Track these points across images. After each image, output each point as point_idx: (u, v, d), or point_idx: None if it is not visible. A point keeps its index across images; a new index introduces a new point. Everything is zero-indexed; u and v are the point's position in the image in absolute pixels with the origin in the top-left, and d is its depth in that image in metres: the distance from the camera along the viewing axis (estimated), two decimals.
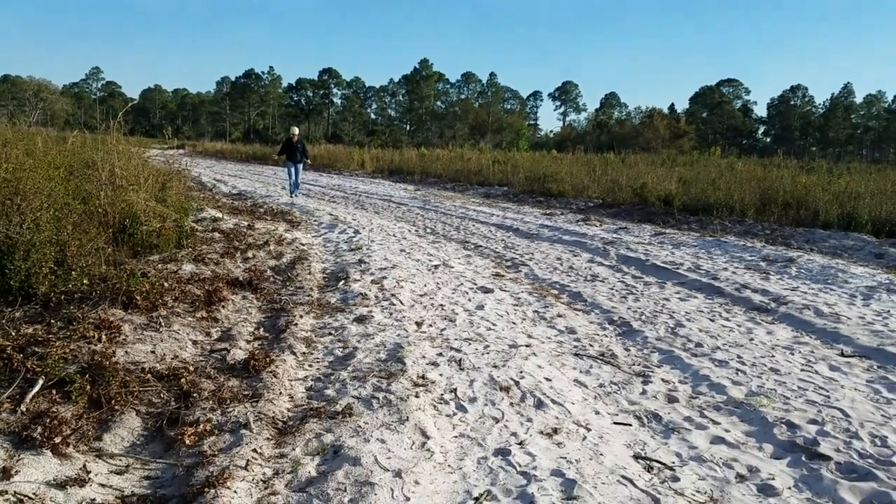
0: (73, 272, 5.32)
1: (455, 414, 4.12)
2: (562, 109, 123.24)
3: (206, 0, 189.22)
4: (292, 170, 18.83)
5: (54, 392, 3.73)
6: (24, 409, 3.52)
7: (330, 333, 5.67)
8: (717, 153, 42.13)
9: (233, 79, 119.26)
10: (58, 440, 3.24)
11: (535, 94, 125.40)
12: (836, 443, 3.90)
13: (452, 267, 9.00)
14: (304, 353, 5.11)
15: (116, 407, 3.70)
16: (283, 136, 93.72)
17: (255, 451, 3.38)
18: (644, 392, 4.70)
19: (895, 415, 4.35)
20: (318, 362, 4.96)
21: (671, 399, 4.59)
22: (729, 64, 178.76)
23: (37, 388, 3.71)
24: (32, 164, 6.74)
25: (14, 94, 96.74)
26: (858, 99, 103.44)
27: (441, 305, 6.84)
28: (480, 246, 11.17)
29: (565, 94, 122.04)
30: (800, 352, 5.70)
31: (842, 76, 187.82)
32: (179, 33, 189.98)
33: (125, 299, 5.31)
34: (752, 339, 6.03)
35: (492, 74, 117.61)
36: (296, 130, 19.40)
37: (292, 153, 18.77)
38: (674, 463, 3.63)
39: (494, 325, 6.21)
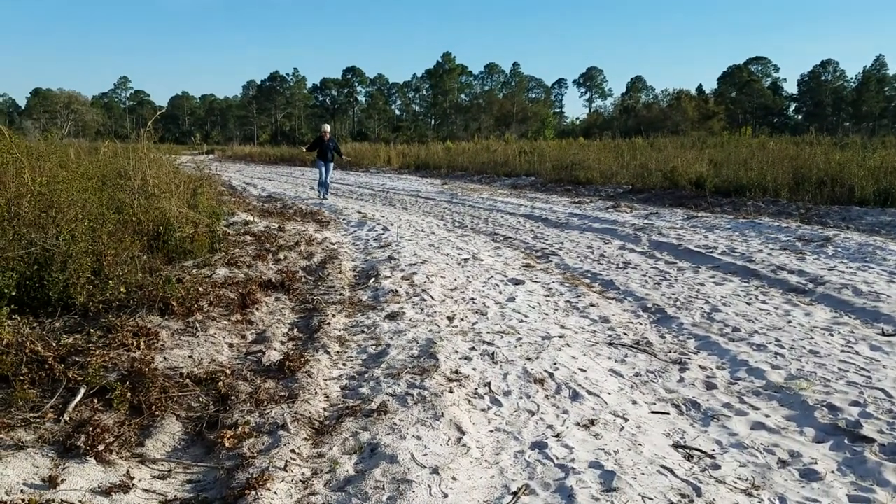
0: (109, 281, 5.42)
1: (490, 408, 4.11)
2: (587, 96, 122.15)
3: (228, 5, 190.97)
4: (323, 168, 18.16)
5: (96, 400, 3.81)
6: (68, 419, 3.60)
7: (362, 331, 5.71)
8: (748, 133, 41.46)
9: (258, 82, 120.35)
10: (101, 448, 3.30)
11: (560, 82, 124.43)
12: (880, 424, 3.82)
13: (482, 260, 8.99)
14: (337, 352, 5.15)
15: (157, 413, 3.76)
16: (310, 136, 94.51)
17: (293, 451, 3.41)
18: (681, 380, 4.65)
19: None
20: (351, 361, 4.99)
21: (709, 386, 4.53)
22: (756, 42, 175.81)
23: (79, 397, 3.79)
24: (66, 177, 6.87)
25: (45, 107, 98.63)
26: (892, 71, 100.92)
27: (472, 299, 6.84)
28: (509, 237, 11.13)
29: (590, 80, 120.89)
30: (839, 332, 5.60)
31: (874, 49, 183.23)
32: (204, 40, 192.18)
33: (162, 306, 5.39)
34: (789, 322, 5.93)
35: (515, 64, 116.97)
36: (327, 128, 18.59)
37: (324, 151, 18.11)
38: (714, 451, 3.59)
39: (526, 316, 6.19)
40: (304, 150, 19.85)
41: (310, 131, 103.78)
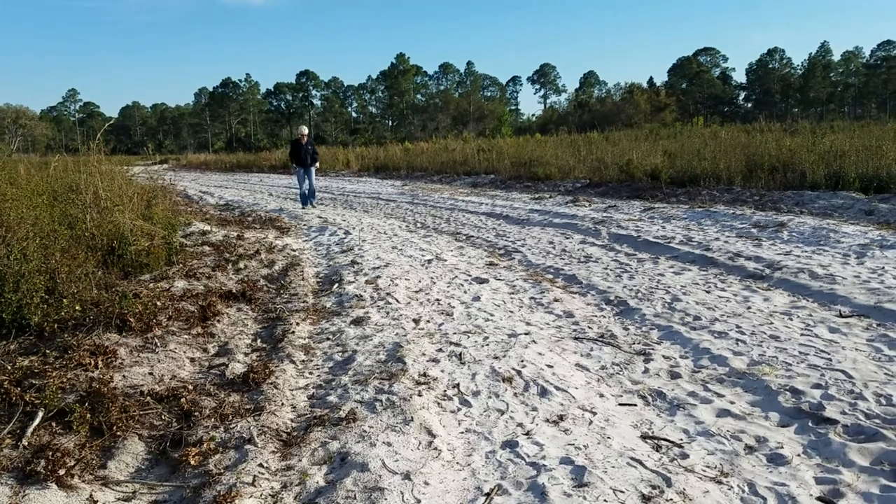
0: (64, 300, 5.27)
1: (459, 409, 4.10)
2: (542, 92, 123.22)
3: (176, 13, 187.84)
4: (303, 175, 16.52)
5: (55, 423, 3.69)
6: (26, 444, 3.48)
7: (328, 338, 5.65)
8: (700, 123, 42.24)
9: (210, 89, 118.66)
10: (62, 472, 3.21)
11: (515, 80, 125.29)
12: (842, 405, 3.90)
13: (446, 260, 8.98)
14: (303, 360, 5.09)
15: (118, 433, 3.66)
16: (266, 141, 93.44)
17: (261, 465, 3.35)
18: (646, 370, 4.70)
19: None
20: (318, 369, 4.93)
21: (674, 375, 4.59)
22: (705, 33, 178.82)
23: (37, 421, 3.67)
24: (15, 194, 6.67)
25: None
26: (836, 57, 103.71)
27: (437, 300, 6.82)
28: (472, 236, 11.15)
29: (544, 77, 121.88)
30: (798, 316, 5.71)
31: (818, 35, 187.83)
32: (153, 48, 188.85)
33: (119, 322, 5.26)
34: (749, 308, 6.04)
35: (469, 63, 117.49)
36: (304, 130, 16.91)
37: (301, 156, 16.39)
38: (682, 440, 3.63)
39: (492, 315, 6.19)
40: (292, 167, 17.50)
41: (266, 137, 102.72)
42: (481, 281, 7.62)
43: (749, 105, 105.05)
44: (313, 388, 4.55)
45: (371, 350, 5.21)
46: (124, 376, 4.43)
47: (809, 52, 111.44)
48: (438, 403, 4.18)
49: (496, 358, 4.95)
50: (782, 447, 3.48)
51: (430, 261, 8.95)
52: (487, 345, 5.28)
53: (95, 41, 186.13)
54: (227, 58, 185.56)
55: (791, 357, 4.75)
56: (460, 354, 5.06)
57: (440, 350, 5.19)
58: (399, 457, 3.44)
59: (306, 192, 16.51)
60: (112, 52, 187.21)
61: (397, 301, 6.75)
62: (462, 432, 3.79)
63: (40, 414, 3.74)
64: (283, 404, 4.17)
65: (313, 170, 16.65)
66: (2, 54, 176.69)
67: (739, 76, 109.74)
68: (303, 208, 16.25)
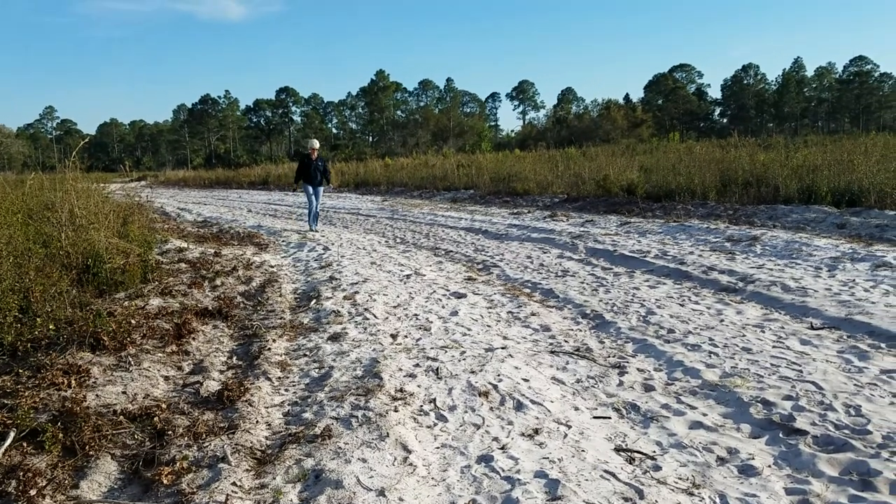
0: (38, 319, 5.23)
1: (435, 424, 4.11)
2: (520, 108, 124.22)
3: (153, 29, 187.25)
4: (311, 193, 14.87)
5: (26, 443, 3.65)
6: None
7: (305, 355, 5.64)
8: (676, 138, 42.77)
9: (189, 106, 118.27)
10: (33, 492, 3.17)
11: (494, 96, 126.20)
12: (812, 416, 3.96)
13: (424, 275, 9.00)
14: (279, 377, 5.07)
15: (91, 453, 3.63)
16: (245, 157, 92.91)
17: (234, 484, 3.34)
18: (621, 383, 4.74)
19: (867, 383, 4.44)
20: (294, 386, 4.92)
21: (648, 388, 4.63)
22: (680, 50, 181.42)
23: (9, 441, 3.63)
24: None
25: None
26: (810, 72, 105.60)
27: (415, 315, 6.83)
28: (451, 251, 11.18)
29: (523, 93, 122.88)
30: (770, 329, 5.79)
31: (792, 51, 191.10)
32: (131, 65, 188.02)
33: (93, 341, 5.21)
34: (722, 321, 6.11)
35: (449, 80, 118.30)
36: (315, 144, 15.29)
37: (311, 175, 14.79)
38: (654, 452, 3.66)
39: (469, 329, 6.21)
40: (294, 185, 15.84)
41: (245, 153, 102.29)
42: (459, 296, 7.65)
43: (724, 120, 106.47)
44: (289, 405, 4.54)
45: (348, 366, 5.21)
46: (97, 395, 4.39)
47: (783, 68, 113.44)
48: (415, 419, 4.19)
49: (473, 372, 4.97)
50: (753, 458, 3.53)
51: (408, 276, 8.96)
52: (464, 359, 5.30)
53: (71, 58, 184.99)
54: (206, 74, 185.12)
55: (763, 369, 4.81)
56: (437, 369, 5.07)
57: (417, 365, 5.20)
58: (374, 473, 3.44)
59: (314, 211, 15.00)
60: (88, 68, 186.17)
61: (375, 316, 6.75)
62: (438, 447, 3.80)
63: (12, 434, 3.69)
64: (257, 422, 4.16)
65: (321, 189, 15.20)
66: None
67: (715, 92, 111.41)
68: (311, 230, 14.73)
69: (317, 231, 14.60)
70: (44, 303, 5.51)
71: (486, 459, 3.61)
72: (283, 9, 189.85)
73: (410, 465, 3.54)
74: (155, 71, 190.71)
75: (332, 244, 12.38)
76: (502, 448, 3.73)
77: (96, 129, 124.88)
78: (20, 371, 4.65)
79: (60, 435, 3.70)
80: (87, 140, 17.26)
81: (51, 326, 5.23)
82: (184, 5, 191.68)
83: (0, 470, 3.41)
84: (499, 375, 4.87)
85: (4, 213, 7.03)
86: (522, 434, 3.91)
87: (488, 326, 6.36)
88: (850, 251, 8.80)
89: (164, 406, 4.27)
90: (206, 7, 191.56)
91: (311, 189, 14.81)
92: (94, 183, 12.17)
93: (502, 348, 5.57)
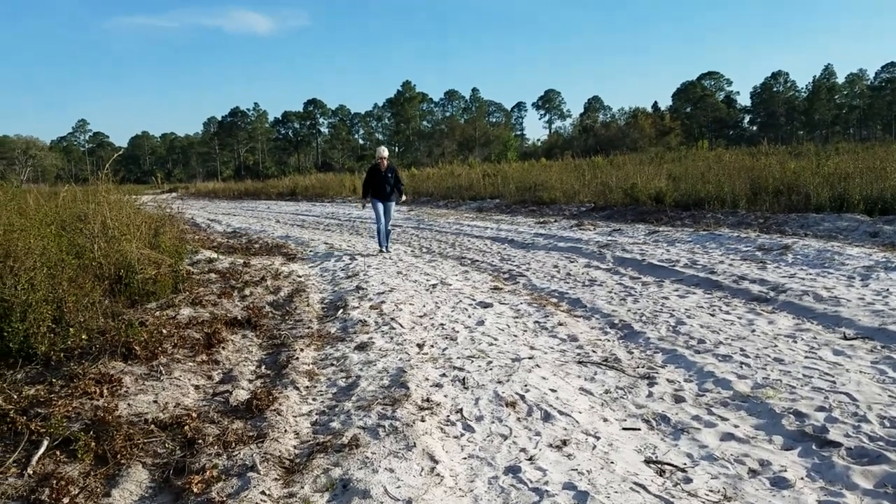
0: (71, 329, 5.32)
1: (462, 435, 4.10)
2: (546, 117, 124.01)
3: (182, 44, 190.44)
4: (381, 209, 12.55)
5: (60, 452, 3.71)
6: (31, 472, 3.50)
7: (332, 364, 5.66)
8: (705, 146, 42.37)
9: (219, 118, 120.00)
10: (66, 500, 3.22)
11: (519, 105, 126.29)
12: (846, 428, 3.88)
13: (450, 284, 9.00)
14: (307, 387, 5.10)
15: (122, 461, 3.68)
16: (274, 169, 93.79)
17: (263, 493, 3.36)
18: (650, 394, 4.69)
19: None
20: (321, 395, 4.94)
21: (678, 399, 4.57)
22: (708, 57, 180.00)
23: (42, 450, 3.70)
24: (24, 224, 6.75)
25: (3, 153, 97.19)
26: (840, 79, 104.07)
27: (441, 325, 6.84)
28: (477, 260, 11.17)
29: (549, 102, 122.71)
30: (802, 339, 5.70)
31: (822, 58, 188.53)
32: (162, 79, 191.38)
33: (125, 351, 5.30)
34: (753, 331, 6.03)
35: (474, 90, 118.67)
36: (384, 152, 12.89)
37: (381, 187, 12.49)
38: (685, 464, 3.62)
39: (496, 339, 6.20)
40: (363, 200, 13.50)
41: (273, 164, 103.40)
42: (485, 305, 7.64)
43: (754, 128, 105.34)
44: (316, 414, 4.56)
45: (375, 375, 5.22)
46: (129, 404, 4.45)
47: (813, 75, 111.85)
48: (441, 429, 4.19)
49: (500, 382, 4.95)
50: (786, 470, 3.47)
51: (434, 285, 8.97)
52: (491, 369, 5.28)
53: (103, 72, 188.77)
54: (236, 87, 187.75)
55: (795, 380, 4.73)
56: (464, 379, 5.06)
57: (444, 375, 5.20)
58: (401, 483, 3.43)
59: (384, 229, 12.75)
60: (120, 82, 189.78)
61: (401, 326, 6.76)
62: (465, 458, 3.79)
63: (45, 442, 3.76)
64: (286, 431, 4.18)
65: (393, 204, 12.82)
66: (11, 85, 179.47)
67: (744, 100, 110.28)
68: (380, 250, 12.73)
69: (389, 252, 12.64)
70: (77, 313, 5.60)
71: (513, 470, 3.59)
72: (309, 22, 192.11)
73: (438, 475, 3.53)
74: (186, 84, 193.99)
75: (359, 254, 12.45)
76: (530, 459, 3.71)
77: (128, 141, 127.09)
78: (53, 380, 4.74)
79: (93, 444, 3.76)
80: (119, 152, 17.54)
81: (84, 336, 5.31)
82: (210, 20, 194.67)
83: (34, 478, 3.47)
84: (526, 386, 4.85)
85: (38, 224, 7.16)
86: (550, 445, 3.89)
87: (515, 336, 6.33)
88: (884, 260, 8.63)
89: (194, 415, 4.32)
90: (233, 22, 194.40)
91: (380, 205, 12.53)
92: (126, 195, 12.37)
93: (529, 358, 5.55)
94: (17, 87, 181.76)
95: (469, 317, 7.14)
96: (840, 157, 20.49)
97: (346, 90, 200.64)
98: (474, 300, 7.95)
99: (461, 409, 4.48)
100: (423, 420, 4.26)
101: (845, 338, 5.66)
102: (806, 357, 5.22)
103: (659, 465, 3.61)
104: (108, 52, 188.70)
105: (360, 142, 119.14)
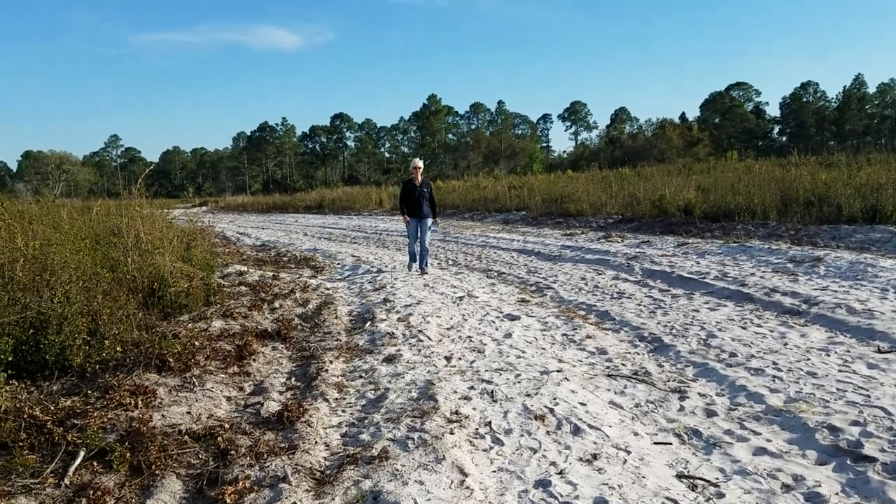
0: (105, 341, 5.41)
1: (492, 448, 4.10)
2: (572, 129, 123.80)
3: (211, 59, 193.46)
4: (415, 229, 11.77)
5: (95, 462, 3.78)
6: (68, 483, 3.57)
7: (360, 376, 5.70)
8: (734, 157, 41.91)
9: (248, 133, 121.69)
10: None
11: (545, 117, 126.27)
12: (881, 443, 3.82)
13: (477, 297, 9.01)
14: (336, 398, 5.13)
15: (157, 472, 3.74)
16: (301, 182, 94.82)
17: None
18: (681, 408, 4.65)
19: None
20: (350, 407, 4.97)
21: (710, 413, 4.53)
22: (735, 68, 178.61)
23: (78, 461, 3.77)
24: (59, 238, 6.90)
25: (37, 168, 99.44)
26: (871, 89, 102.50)
27: (469, 337, 6.84)
28: (503, 273, 11.17)
29: (574, 114, 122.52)
30: (835, 352, 5.61)
31: (852, 68, 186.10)
32: (192, 94, 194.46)
33: (158, 362, 5.38)
34: (786, 344, 5.95)
35: (500, 102, 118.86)
36: (419, 163, 11.99)
37: (415, 203, 11.63)
38: (718, 479, 3.58)
39: (524, 352, 6.19)
40: (401, 216, 12.13)
41: (301, 178, 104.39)
42: (513, 318, 7.63)
43: (783, 139, 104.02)
44: (346, 426, 4.59)
45: (403, 388, 5.24)
46: (163, 415, 4.52)
47: (844, 85, 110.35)
48: (470, 442, 4.19)
49: (528, 395, 4.94)
50: (820, 486, 3.42)
51: (461, 298, 8.99)
52: (519, 382, 5.28)
53: (134, 88, 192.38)
54: (264, 102, 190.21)
55: (829, 394, 4.66)
56: (492, 392, 5.06)
57: (472, 388, 5.20)
58: (431, 496, 3.44)
59: (416, 250, 11.95)
60: (151, 98, 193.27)
61: (429, 338, 6.78)
62: (494, 471, 3.79)
63: (82, 453, 3.83)
64: (316, 442, 4.21)
65: (429, 221, 11.79)
66: (45, 102, 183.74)
67: (773, 110, 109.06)
68: (410, 269, 11.87)
69: (427, 272, 11.55)
70: (111, 325, 5.70)
71: (543, 484, 3.58)
72: (334, 37, 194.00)
73: (467, 488, 3.54)
74: (215, 99, 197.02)
75: (386, 267, 12.51)
76: (560, 473, 3.70)
77: (159, 156, 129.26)
78: (89, 392, 4.83)
79: (128, 454, 3.83)
80: (150, 167, 17.80)
81: (118, 348, 5.41)
82: (236, 36, 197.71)
83: (71, 488, 3.53)
84: (555, 399, 4.83)
85: (73, 238, 7.31)
86: (580, 459, 3.87)
87: (543, 349, 6.32)
88: None
89: (226, 426, 4.37)
90: (258, 38, 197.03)
91: (415, 221, 11.67)
92: (158, 209, 12.59)
93: (558, 371, 5.53)
94: (51, 104, 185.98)
95: (496, 329, 7.14)
96: (872, 167, 20.15)
97: (372, 104, 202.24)
98: (501, 313, 7.95)
99: (490, 422, 4.48)
100: (452, 433, 4.27)
101: (879, 351, 5.56)
102: (839, 370, 5.14)
103: (691, 480, 3.58)
104: (139, 68, 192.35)
105: (387, 155, 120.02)
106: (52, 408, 4.44)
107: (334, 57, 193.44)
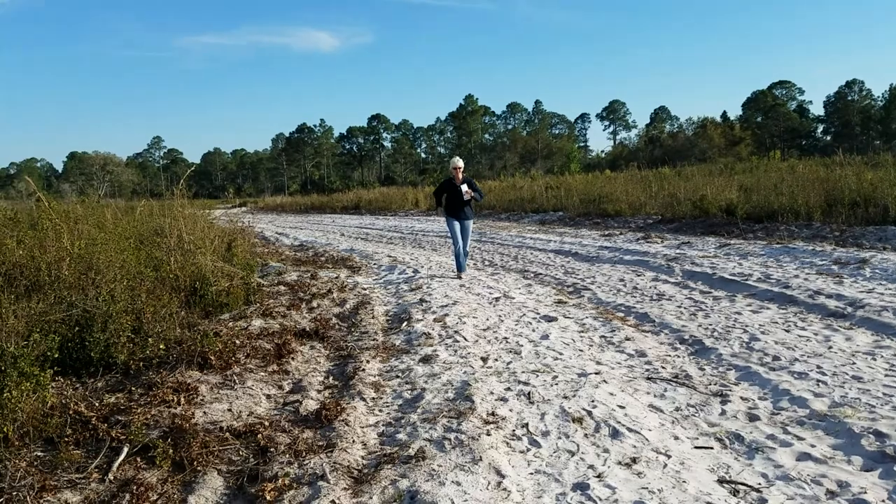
0: (149, 339, 5.52)
1: (529, 449, 4.08)
2: (611, 129, 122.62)
3: (251, 61, 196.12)
4: (457, 229, 11.08)
5: (139, 458, 3.86)
6: (112, 478, 3.65)
7: (397, 376, 5.72)
8: (777, 157, 41.12)
9: (287, 134, 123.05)
10: None
11: (583, 117, 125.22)
12: None
13: (513, 298, 8.98)
14: (373, 398, 5.16)
15: (199, 468, 3.80)
16: (338, 183, 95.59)
17: (333, 502, 3.41)
18: (723, 412, 4.58)
19: None
20: (387, 406, 5.00)
21: (752, 417, 4.45)
22: (778, 66, 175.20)
23: (122, 456, 3.85)
24: (104, 238, 7.07)
25: (82, 169, 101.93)
26: None
27: (505, 338, 6.82)
28: (540, 274, 11.11)
29: (613, 113, 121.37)
30: (882, 356, 5.47)
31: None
32: (232, 96, 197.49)
33: (200, 360, 5.48)
34: (830, 348, 5.82)
35: (537, 102, 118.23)
36: (459, 162, 11.17)
37: (455, 204, 11.05)
38: (760, 484, 3.51)
39: (561, 354, 6.15)
40: (437, 209, 11.79)
41: (338, 179, 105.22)
42: (550, 319, 7.59)
43: (828, 138, 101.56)
44: (383, 425, 4.62)
45: (439, 388, 5.25)
46: (205, 412, 4.59)
47: (890, 83, 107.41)
48: (507, 443, 4.18)
49: (566, 398, 4.91)
50: (865, 492, 3.33)
51: (497, 298, 8.97)
52: (557, 384, 5.25)
53: (176, 90, 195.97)
54: (303, 103, 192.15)
55: (875, 398, 4.55)
56: (529, 394, 5.04)
57: (508, 389, 5.19)
58: (468, 497, 3.44)
59: (462, 251, 11.19)
60: (193, 100, 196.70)
61: (465, 339, 6.78)
62: (531, 473, 3.77)
63: (125, 449, 3.92)
64: (353, 441, 4.24)
65: (471, 223, 11.38)
66: (90, 103, 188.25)
67: (817, 109, 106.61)
68: (460, 277, 11.04)
69: (464, 273, 11.22)
70: (155, 323, 5.81)
71: (581, 487, 3.55)
72: (373, 39, 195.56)
73: (504, 490, 3.53)
74: (255, 101, 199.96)
75: (422, 267, 12.54)
76: (598, 476, 3.67)
77: (200, 157, 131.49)
78: (133, 389, 4.94)
79: (170, 450, 3.90)
80: (192, 168, 18.08)
81: (161, 346, 5.51)
82: (273, 38, 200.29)
83: (115, 484, 3.61)
84: (593, 401, 4.79)
85: (117, 238, 7.48)
86: (619, 462, 3.83)
87: (580, 351, 6.27)
88: None
89: (266, 423, 4.43)
90: (298, 40, 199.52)
91: (456, 224, 11.09)
92: (200, 209, 12.81)
93: (596, 373, 5.49)
94: (96, 106, 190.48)
95: (533, 330, 7.10)
96: None
97: (409, 104, 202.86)
98: (538, 314, 7.91)
99: (527, 424, 4.46)
100: (488, 434, 4.26)
101: None
102: (886, 375, 5.01)
103: (733, 485, 3.52)
104: (181, 70, 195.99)
105: (423, 155, 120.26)
106: (97, 404, 4.55)
107: (372, 58, 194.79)
